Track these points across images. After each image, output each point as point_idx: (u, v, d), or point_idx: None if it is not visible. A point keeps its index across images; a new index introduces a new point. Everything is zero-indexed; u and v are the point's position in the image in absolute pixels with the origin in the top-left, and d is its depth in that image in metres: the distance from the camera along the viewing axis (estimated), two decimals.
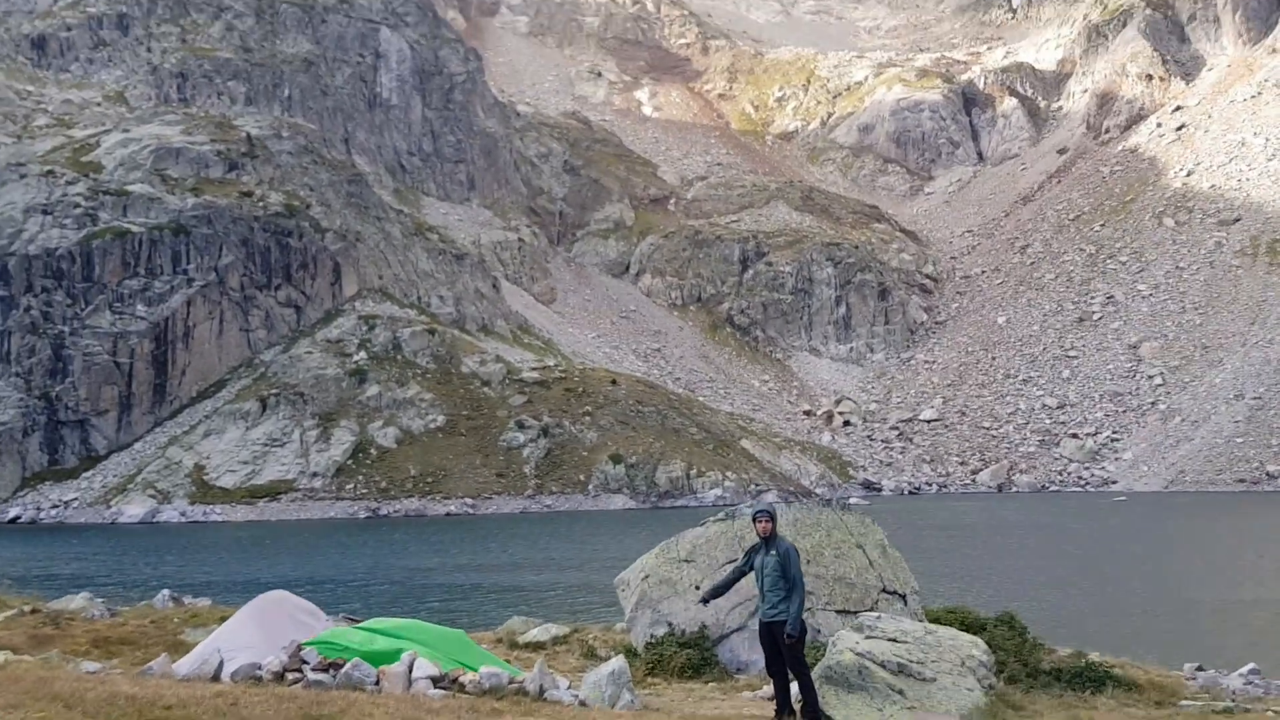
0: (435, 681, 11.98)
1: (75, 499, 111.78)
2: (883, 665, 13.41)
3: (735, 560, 18.93)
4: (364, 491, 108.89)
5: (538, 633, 23.87)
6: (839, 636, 14.61)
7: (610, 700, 10.90)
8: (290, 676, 12.88)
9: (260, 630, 14.64)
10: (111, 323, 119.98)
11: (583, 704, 11.03)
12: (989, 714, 13.63)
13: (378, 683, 12.26)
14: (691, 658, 17.94)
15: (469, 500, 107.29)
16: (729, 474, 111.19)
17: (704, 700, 14.73)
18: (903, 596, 19.50)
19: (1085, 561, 56.84)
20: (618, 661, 10.95)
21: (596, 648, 21.10)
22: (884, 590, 19.28)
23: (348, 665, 12.48)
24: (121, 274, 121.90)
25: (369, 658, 13.59)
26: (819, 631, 18.39)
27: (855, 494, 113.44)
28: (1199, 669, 21.55)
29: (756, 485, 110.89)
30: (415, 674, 11.93)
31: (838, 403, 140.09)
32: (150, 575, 55.92)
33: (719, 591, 13.02)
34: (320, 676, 12.55)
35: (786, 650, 12.42)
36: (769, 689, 15.15)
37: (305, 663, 12.90)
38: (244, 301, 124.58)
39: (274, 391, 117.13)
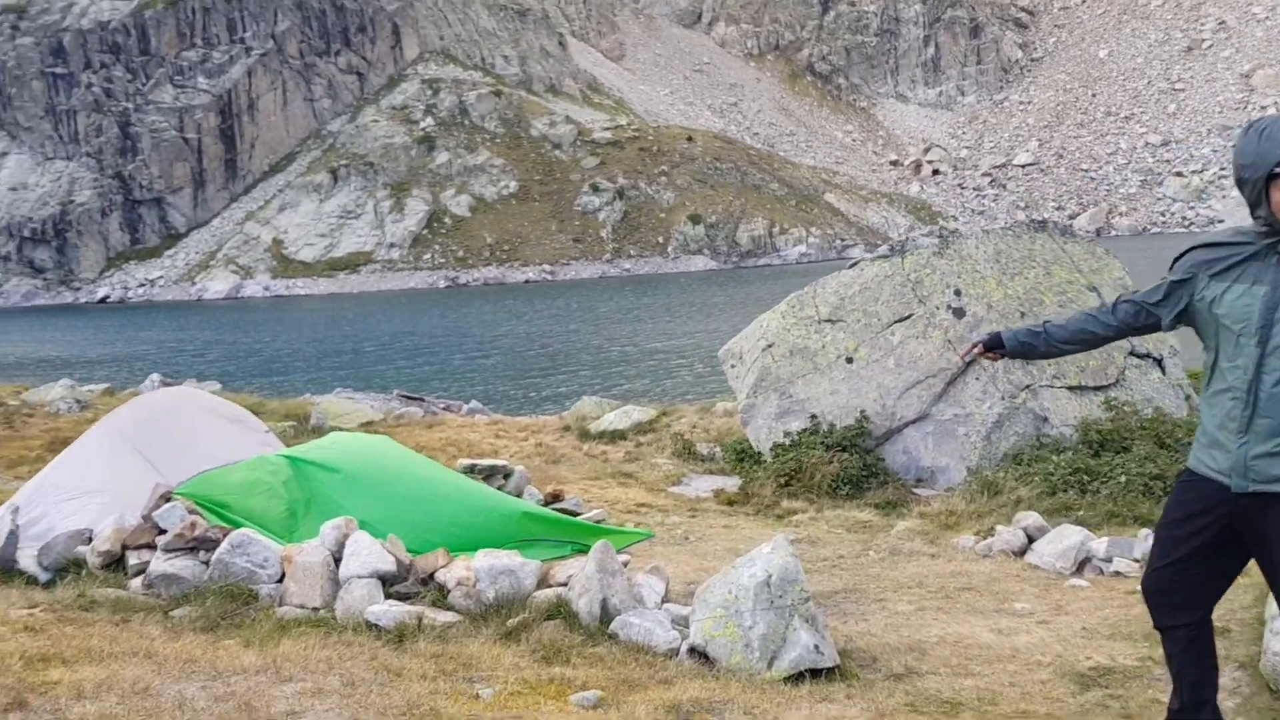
0: (387, 583, 5.38)
1: (160, 277, 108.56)
2: None
3: (909, 317, 11.98)
4: (441, 261, 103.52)
5: (615, 418, 17.43)
6: None
7: (766, 650, 4.22)
8: (132, 560, 6.47)
9: (130, 458, 8.19)
10: (175, 97, 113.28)
11: (704, 657, 4.38)
12: None
13: (281, 579, 5.76)
14: (847, 466, 11.30)
15: (546, 267, 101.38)
16: (813, 230, 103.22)
17: (909, 557, 8.11)
18: (1158, 361, 12.48)
19: None
20: (770, 559, 4.17)
21: (694, 442, 14.59)
22: (1132, 353, 12.26)
23: (227, 541, 5.96)
24: (178, 45, 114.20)
25: (275, 524, 7.15)
26: (1045, 420, 11.56)
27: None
28: None
29: (842, 240, 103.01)
30: (349, 567, 5.35)
31: (926, 150, 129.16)
32: (205, 350, 51.37)
33: (1059, 344, 4.16)
34: (172, 565, 6.09)
35: None
36: (1008, 534, 8.45)
37: (162, 531, 6.44)
38: (305, 70, 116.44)
39: (344, 163, 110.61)
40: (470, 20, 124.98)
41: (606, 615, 5.08)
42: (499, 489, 9.25)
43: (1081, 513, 10.03)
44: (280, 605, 5.77)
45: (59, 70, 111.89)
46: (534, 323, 57.73)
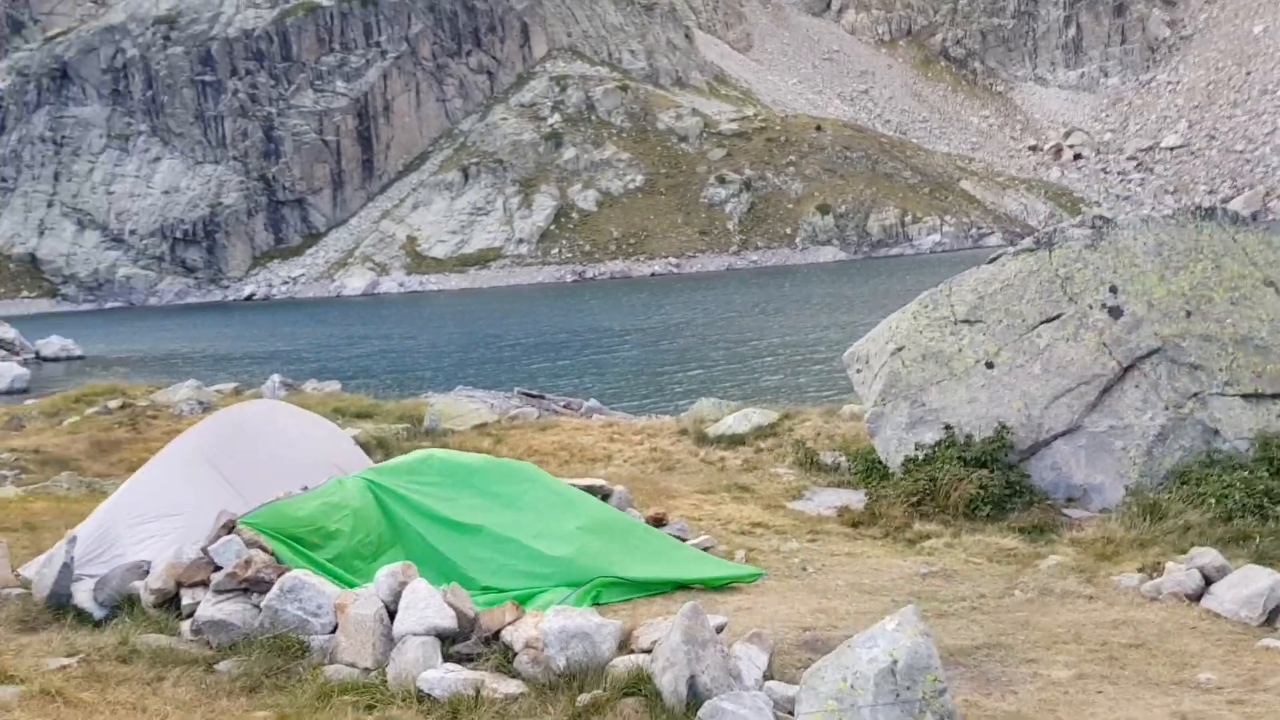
0: (447, 641, 4.60)
1: (302, 275, 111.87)
2: None
3: (1057, 317, 10.72)
4: (568, 255, 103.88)
5: (734, 421, 16.51)
6: None
7: None
8: (185, 600, 5.87)
9: (207, 478, 7.68)
10: (315, 101, 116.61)
11: None
12: None
13: (335, 630, 5.05)
14: (987, 484, 10.12)
15: (672, 260, 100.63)
16: (947, 218, 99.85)
17: (1063, 599, 6.91)
18: None
19: None
20: (896, 638, 3.21)
21: (818, 450, 13.54)
22: None
23: (278, 585, 5.29)
24: (318, 51, 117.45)
25: (351, 558, 6.53)
26: (1216, 433, 10.17)
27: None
28: None
29: (978, 228, 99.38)
30: (404, 621, 4.58)
31: (1067, 135, 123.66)
32: (331, 345, 52.28)
33: None
34: (220, 610, 5.46)
35: None
36: (1180, 574, 7.23)
37: (217, 568, 5.82)
38: (437, 71, 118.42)
39: (474, 160, 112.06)
40: (597, 16, 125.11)
41: (695, 696, 4.19)
42: None
43: (1261, 542, 8.71)
44: (330, 662, 5.05)
45: (207, 78, 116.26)
46: (658, 317, 57.08)
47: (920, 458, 10.79)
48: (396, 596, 5.04)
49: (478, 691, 4.47)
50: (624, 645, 4.75)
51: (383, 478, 7.48)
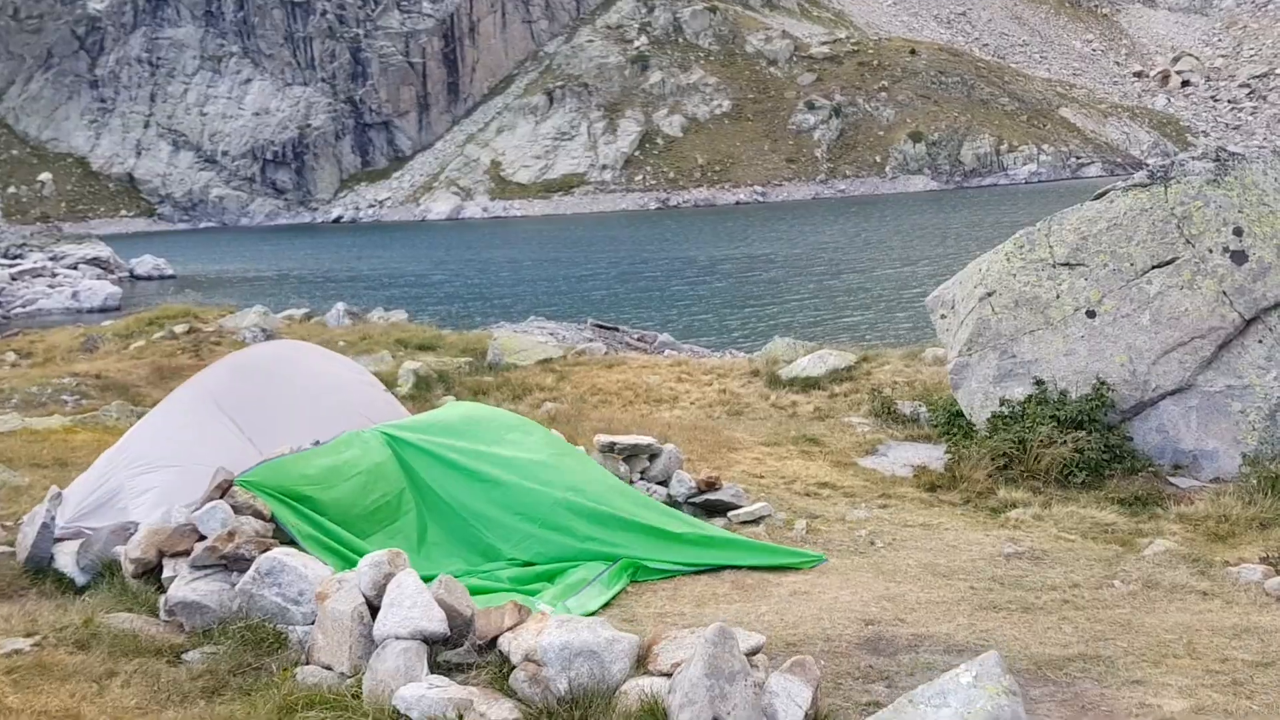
0: (435, 646, 3.83)
1: (388, 198, 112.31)
2: None
3: (1172, 261, 9.49)
4: (653, 183, 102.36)
5: (809, 363, 15.51)
6: None
7: None
8: (166, 571, 5.22)
9: (217, 424, 7.05)
10: (401, 22, 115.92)
11: None
12: None
13: (315, 622, 4.32)
14: (1083, 446, 9.05)
15: (758, 188, 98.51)
16: (1045, 147, 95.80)
17: (1171, 594, 5.91)
18: None
19: None
20: (972, 698, 2.36)
21: (895, 400, 12.50)
22: None
23: (255, 566, 4.59)
24: None
25: (363, 523, 5.86)
26: None
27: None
28: None
29: (1077, 158, 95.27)
30: (386, 621, 3.82)
31: (1175, 60, 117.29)
32: (415, 269, 51.98)
33: None
34: (195, 590, 4.80)
35: None
36: None
37: (202, 537, 5.15)
38: None
39: (559, 84, 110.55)
40: None
41: None
42: (642, 474, 7.63)
43: None
44: (307, 661, 4.35)
45: None
46: (742, 248, 55.72)
47: (1008, 414, 9.75)
48: (381, 590, 4.29)
49: (460, 716, 3.71)
50: (641, 662, 3.94)
51: (405, 432, 6.76)
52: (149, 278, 54.50)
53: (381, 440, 6.67)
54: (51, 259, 53.75)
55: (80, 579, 5.63)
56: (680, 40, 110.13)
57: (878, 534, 7.48)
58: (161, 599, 5.05)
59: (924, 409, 11.99)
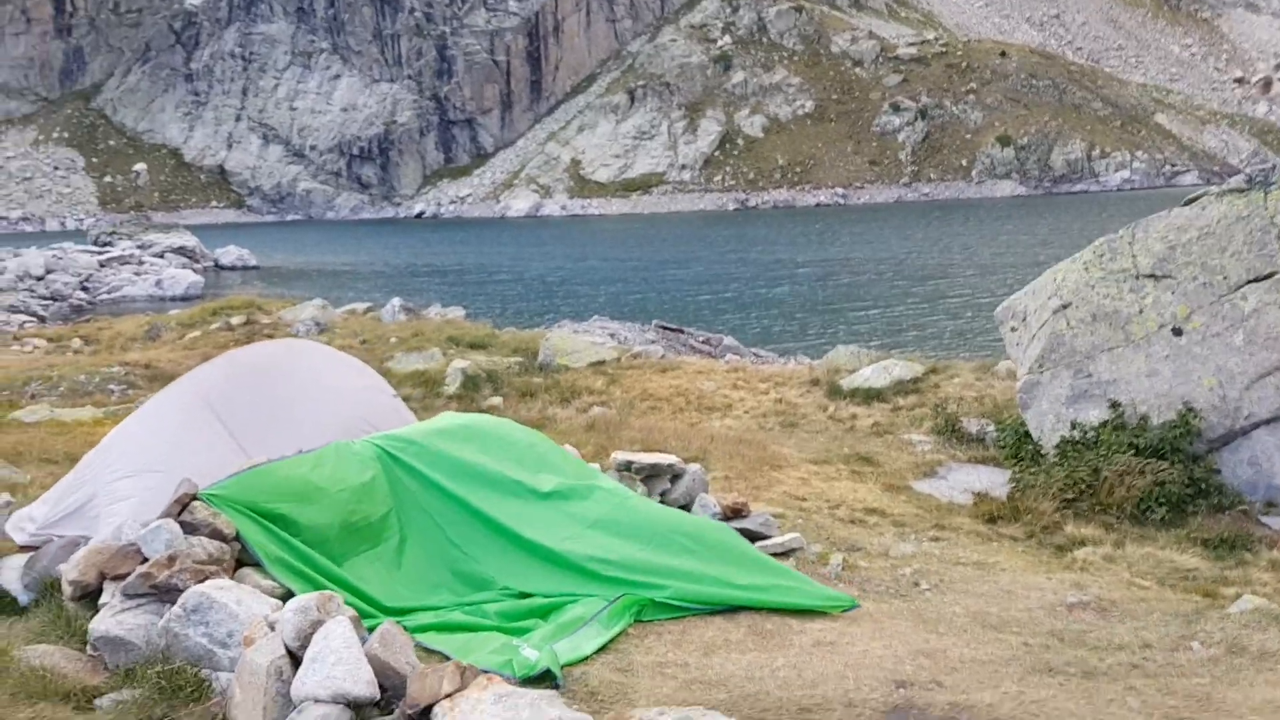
0: (364, 710, 3.17)
1: (469, 195, 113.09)
2: None
3: (1270, 275, 8.48)
4: (732, 183, 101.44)
5: (872, 374, 14.59)
6: None
7: None
8: (105, 596, 4.68)
9: (207, 428, 6.51)
10: (487, 20, 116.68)
11: None
12: None
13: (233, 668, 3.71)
14: (1164, 478, 8.11)
15: (839, 190, 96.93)
16: (1138, 153, 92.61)
17: (1260, 664, 5.08)
18: None
19: None
20: None
21: (961, 417, 11.58)
22: None
23: (180, 602, 3.99)
24: None
25: (314, 555, 5.24)
26: None
27: None
28: None
29: (1172, 165, 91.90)
30: (306, 679, 3.17)
31: (1278, 66, 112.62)
32: (491, 262, 51.88)
33: None
34: (121, 624, 4.21)
35: None
36: None
37: (145, 558, 4.59)
38: None
39: (641, 83, 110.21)
40: None
41: None
42: (662, 495, 6.92)
43: None
44: (224, 718, 3.74)
45: None
46: (819, 251, 54.61)
47: (1080, 439, 8.82)
48: (306, 640, 3.66)
49: None
50: None
51: (400, 444, 6.15)
52: (233, 268, 55.29)
53: (373, 453, 6.07)
54: (139, 247, 54.77)
55: (24, 598, 5.13)
56: (764, 40, 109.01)
57: (923, 573, 6.66)
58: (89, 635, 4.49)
59: (992, 428, 11.06)
